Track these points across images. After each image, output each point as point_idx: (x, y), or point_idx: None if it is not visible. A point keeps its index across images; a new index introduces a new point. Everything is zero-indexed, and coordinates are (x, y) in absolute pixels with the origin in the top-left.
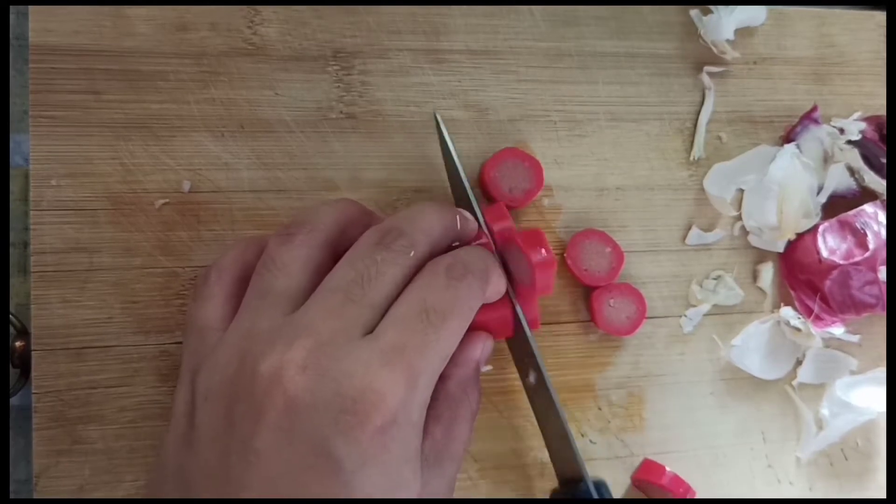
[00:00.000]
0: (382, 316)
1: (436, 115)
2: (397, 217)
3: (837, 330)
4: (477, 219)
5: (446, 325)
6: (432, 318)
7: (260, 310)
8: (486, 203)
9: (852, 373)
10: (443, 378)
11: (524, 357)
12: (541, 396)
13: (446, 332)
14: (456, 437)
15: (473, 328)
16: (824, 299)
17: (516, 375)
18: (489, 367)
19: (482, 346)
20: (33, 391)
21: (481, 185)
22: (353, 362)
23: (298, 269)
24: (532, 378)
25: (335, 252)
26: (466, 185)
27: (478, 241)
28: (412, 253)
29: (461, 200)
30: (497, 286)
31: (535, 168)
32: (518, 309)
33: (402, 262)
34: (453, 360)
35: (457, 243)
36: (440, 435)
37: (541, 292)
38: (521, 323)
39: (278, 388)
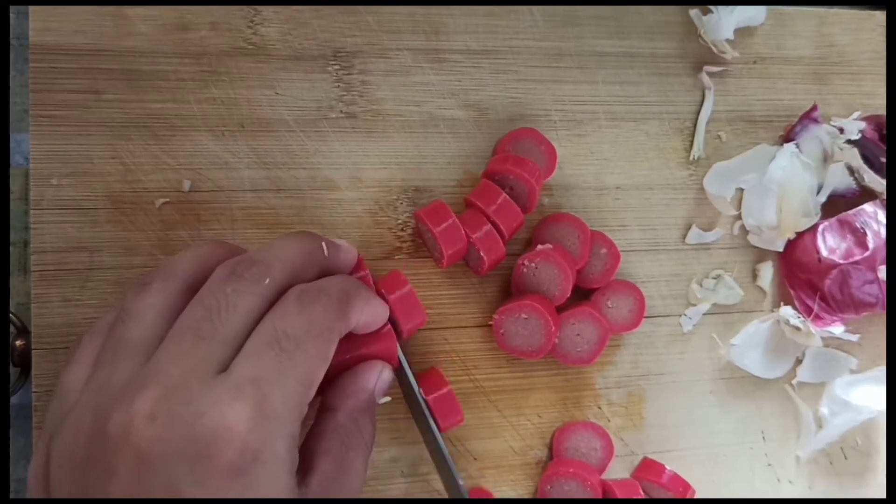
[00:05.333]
0: (239, 350)
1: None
2: (254, 250)
3: (837, 329)
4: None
5: (301, 350)
6: (285, 344)
7: (114, 364)
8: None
9: (852, 372)
10: (332, 409)
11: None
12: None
13: (303, 356)
14: (349, 471)
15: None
16: (824, 298)
17: (514, 374)
18: (387, 399)
19: (377, 376)
20: (33, 390)
21: (490, 166)
22: (204, 402)
23: (153, 318)
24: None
25: None
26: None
27: (359, 274)
28: (266, 280)
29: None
30: (372, 313)
31: (550, 151)
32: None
33: (256, 291)
34: (344, 390)
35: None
36: (330, 469)
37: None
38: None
39: (127, 445)
